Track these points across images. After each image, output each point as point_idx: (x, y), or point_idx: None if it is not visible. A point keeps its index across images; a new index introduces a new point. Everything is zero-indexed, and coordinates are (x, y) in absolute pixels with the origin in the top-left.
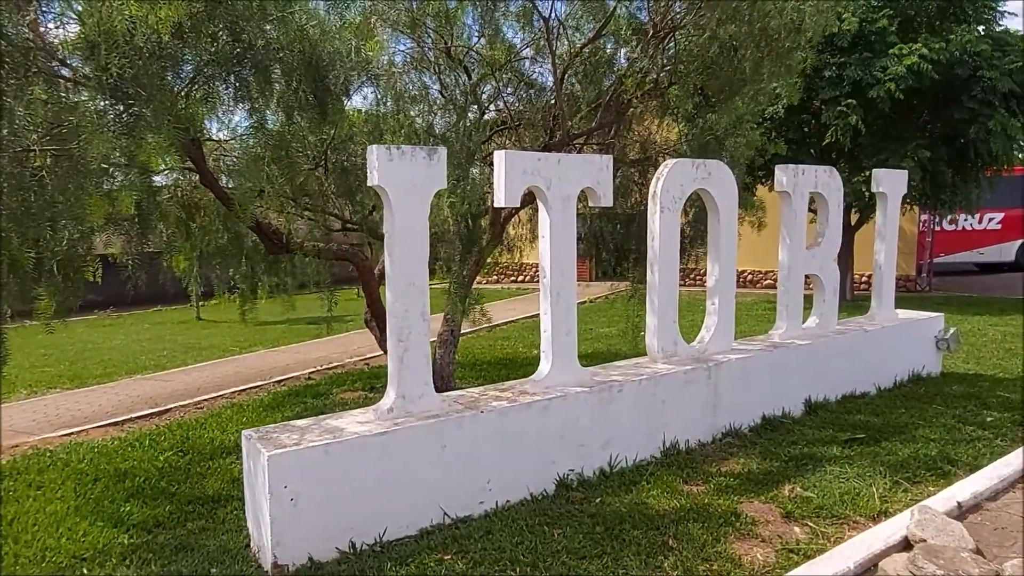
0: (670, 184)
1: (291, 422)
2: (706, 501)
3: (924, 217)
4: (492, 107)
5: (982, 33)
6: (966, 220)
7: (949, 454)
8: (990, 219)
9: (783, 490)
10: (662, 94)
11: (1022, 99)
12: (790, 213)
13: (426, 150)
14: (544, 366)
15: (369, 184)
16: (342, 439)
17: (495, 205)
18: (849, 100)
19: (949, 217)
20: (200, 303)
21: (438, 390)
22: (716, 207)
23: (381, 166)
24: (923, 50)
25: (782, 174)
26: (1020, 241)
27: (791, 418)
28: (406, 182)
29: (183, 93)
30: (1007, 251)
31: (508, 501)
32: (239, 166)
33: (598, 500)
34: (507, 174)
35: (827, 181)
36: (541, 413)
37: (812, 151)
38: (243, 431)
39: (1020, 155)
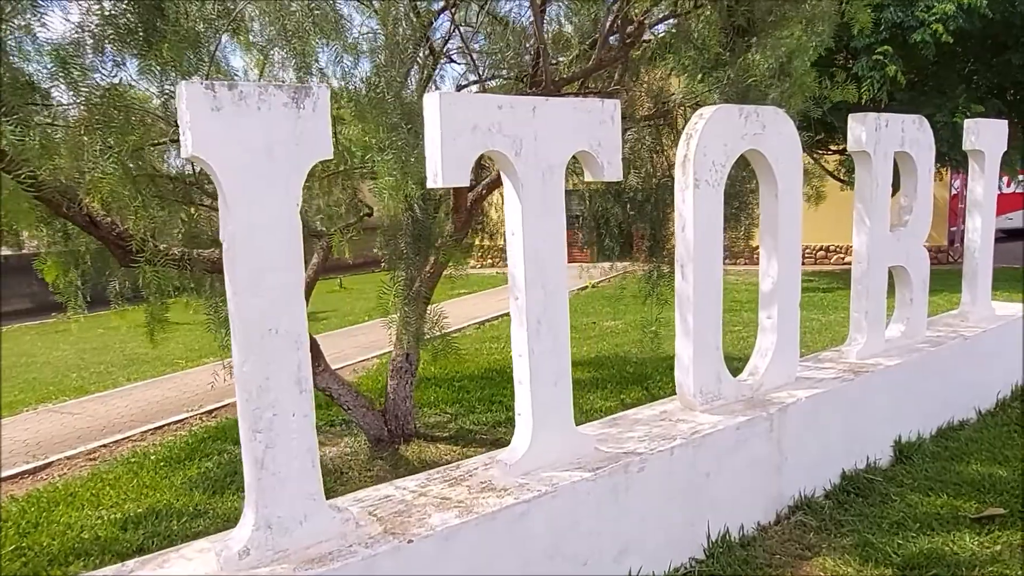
0: (708, 143)
1: None
2: None
3: (957, 182)
4: (448, 47)
5: None
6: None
7: None
8: (1020, 181)
9: None
10: (685, 19)
11: None
12: (871, 181)
13: (289, 90)
14: (520, 439)
15: (183, 156)
16: None
17: (428, 184)
18: (886, 47)
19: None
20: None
21: (395, 434)
22: (773, 177)
23: (197, 121)
24: None
25: (860, 127)
26: None
27: (879, 471)
28: (251, 148)
29: None
30: None
31: None
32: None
33: None
34: (445, 132)
35: (916, 136)
36: (515, 524)
37: (841, 110)
38: None
39: None
